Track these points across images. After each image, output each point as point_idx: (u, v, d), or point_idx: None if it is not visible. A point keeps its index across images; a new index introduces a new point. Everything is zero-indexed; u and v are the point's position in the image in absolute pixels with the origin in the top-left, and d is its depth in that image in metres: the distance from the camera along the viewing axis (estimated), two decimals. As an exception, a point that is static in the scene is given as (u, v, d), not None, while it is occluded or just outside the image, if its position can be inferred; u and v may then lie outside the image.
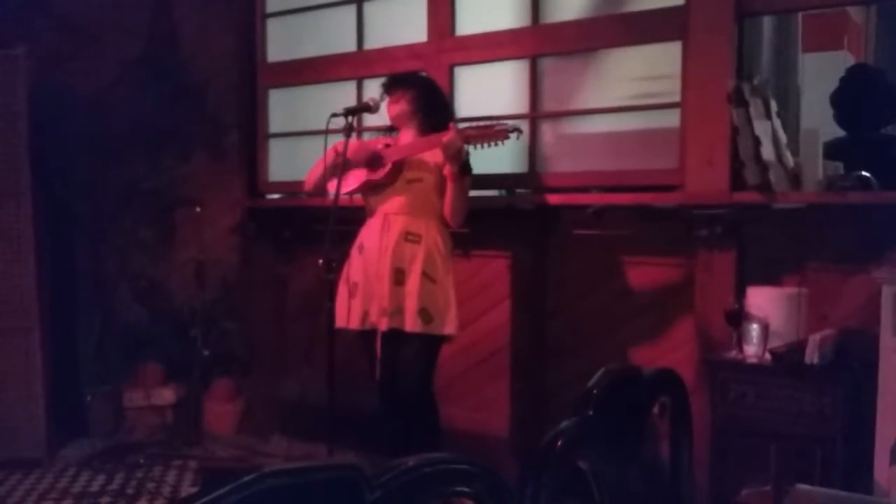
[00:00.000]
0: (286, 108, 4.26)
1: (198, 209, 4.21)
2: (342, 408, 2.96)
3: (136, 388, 4.24)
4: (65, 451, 3.92)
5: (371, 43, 3.89)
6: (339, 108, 2.95)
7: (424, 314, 2.89)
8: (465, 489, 1.01)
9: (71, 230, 4.37)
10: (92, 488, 3.49)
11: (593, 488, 1.23)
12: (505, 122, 2.84)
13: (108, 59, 4.43)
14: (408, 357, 2.94)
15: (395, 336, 2.93)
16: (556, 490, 1.10)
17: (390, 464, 0.94)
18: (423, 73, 3.32)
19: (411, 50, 3.69)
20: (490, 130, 2.80)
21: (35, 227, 3.77)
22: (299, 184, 4.11)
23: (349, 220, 3.13)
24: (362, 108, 3.10)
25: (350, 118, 2.93)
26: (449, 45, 3.60)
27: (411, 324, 2.89)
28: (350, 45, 3.94)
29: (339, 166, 2.89)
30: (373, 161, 3.03)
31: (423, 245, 2.92)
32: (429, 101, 3.08)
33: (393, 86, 3.09)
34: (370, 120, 3.60)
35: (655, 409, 1.47)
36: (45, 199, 3.90)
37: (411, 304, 2.89)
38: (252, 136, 4.32)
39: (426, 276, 2.90)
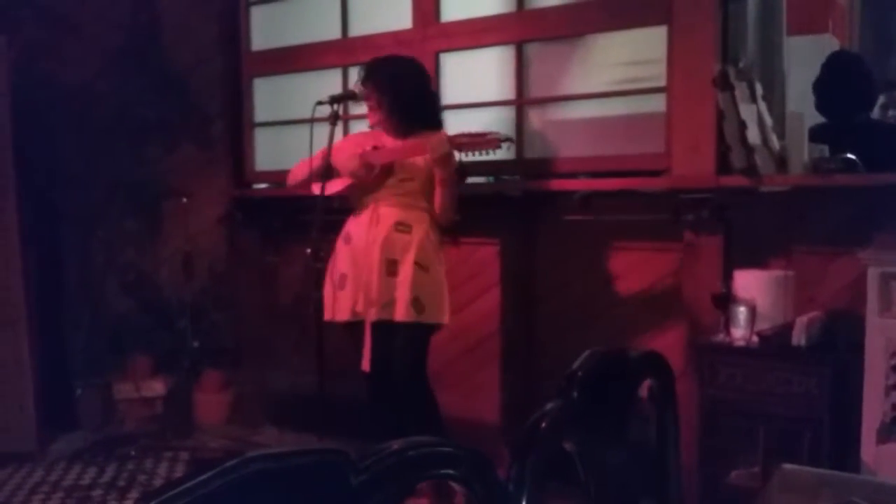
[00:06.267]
0: (271, 96, 4.23)
1: (184, 200, 4.18)
2: (332, 397, 2.96)
3: (126, 381, 4.22)
4: (55, 444, 3.90)
5: (355, 30, 3.87)
6: (325, 96, 2.94)
7: (417, 304, 2.87)
8: (451, 472, 1.01)
9: (57, 222, 4.34)
10: (83, 481, 3.48)
11: (579, 470, 1.23)
12: (497, 132, 2.81)
13: (91, 49, 4.39)
14: (399, 347, 2.93)
15: (385, 327, 2.91)
16: (542, 471, 1.11)
17: (375, 447, 0.94)
18: (395, 60, 3.07)
19: (396, 37, 3.67)
20: (481, 139, 2.77)
21: (20, 220, 3.73)
22: (286, 173, 4.12)
23: (336, 209, 3.12)
24: (347, 96, 3.08)
25: (335, 106, 2.91)
26: (434, 31, 3.58)
27: (404, 314, 2.87)
28: (335, 33, 3.92)
29: (325, 172, 2.86)
30: None
31: (414, 235, 2.90)
32: (399, 100, 2.92)
33: (365, 84, 2.96)
34: (356, 108, 3.59)
35: (643, 392, 1.48)
36: (29, 191, 3.87)
37: (404, 294, 2.87)
38: (237, 125, 4.30)
39: (419, 265, 2.88)
